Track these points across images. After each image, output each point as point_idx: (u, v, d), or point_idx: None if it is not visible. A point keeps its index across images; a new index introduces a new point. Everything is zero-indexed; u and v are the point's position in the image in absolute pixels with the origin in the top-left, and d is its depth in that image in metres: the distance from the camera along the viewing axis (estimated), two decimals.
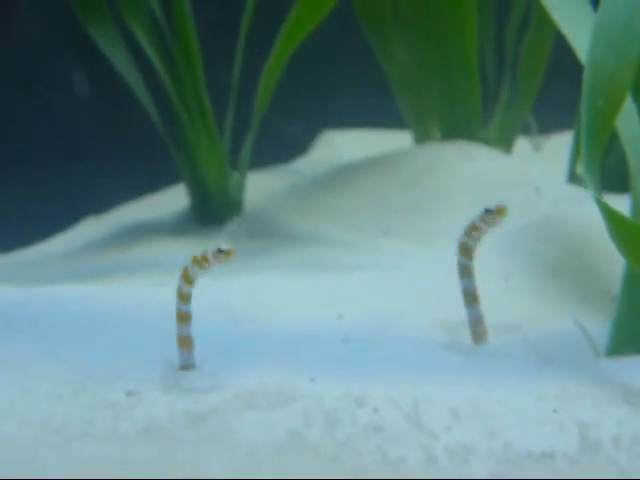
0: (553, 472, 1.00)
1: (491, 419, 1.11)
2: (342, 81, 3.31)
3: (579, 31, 1.45)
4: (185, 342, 1.28)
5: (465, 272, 1.41)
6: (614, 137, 1.40)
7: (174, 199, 2.79)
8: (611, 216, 1.27)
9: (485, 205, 1.28)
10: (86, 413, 1.04)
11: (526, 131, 3.01)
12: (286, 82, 2.58)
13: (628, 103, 1.36)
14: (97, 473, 0.84)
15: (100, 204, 2.87)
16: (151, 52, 2.45)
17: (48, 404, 1.06)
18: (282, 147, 3.26)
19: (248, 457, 0.85)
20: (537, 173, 2.42)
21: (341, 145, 3.31)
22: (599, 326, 1.53)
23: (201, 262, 1.20)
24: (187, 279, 1.23)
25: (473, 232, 1.34)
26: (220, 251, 1.17)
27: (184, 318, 1.27)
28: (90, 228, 2.74)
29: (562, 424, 1.13)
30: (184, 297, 1.26)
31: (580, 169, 2.40)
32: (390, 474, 0.84)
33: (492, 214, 1.28)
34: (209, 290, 1.75)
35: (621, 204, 1.41)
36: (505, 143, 2.80)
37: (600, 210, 1.29)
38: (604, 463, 0.90)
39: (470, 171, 2.43)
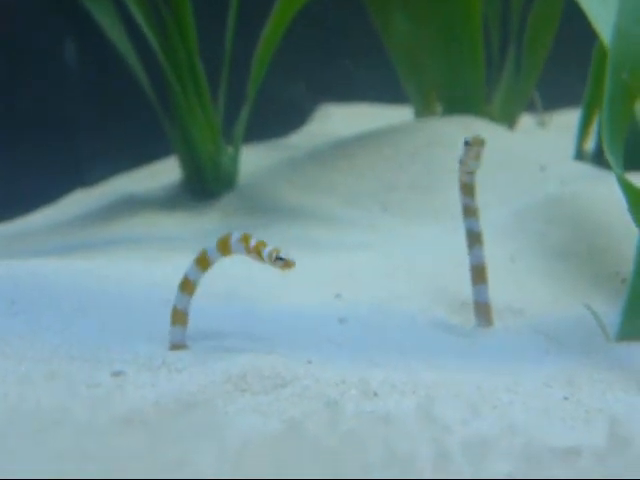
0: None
1: (500, 407, 1.04)
2: (341, 54, 3.22)
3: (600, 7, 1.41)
4: (180, 317, 1.22)
5: (468, 212, 1.42)
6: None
7: (166, 172, 2.70)
8: (631, 192, 1.25)
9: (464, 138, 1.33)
10: (64, 398, 0.96)
11: (530, 107, 2.93)
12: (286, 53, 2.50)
13: None
14: (74, 466, 0.76)
15: (89, 176, 2.79)
16: (141, 18, 2.36)
17: (22, 388, 0.98)
18: (280, 121, 3.17)
19: (241, 451, 0.77)
20: (542, 150, 2.34)
21: (339, 119, 3.22)
22: (609, 309, 1.47)
23: (258, 255, 1.15)
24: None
25: (463, 167, 1.39)
26: (279, 259, 1.13)
27: (188, 287, 1.21)
28: (78, 201, 2.66)
29: (574, 413, 1.07)
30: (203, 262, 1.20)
31: (587, 144, 2.34)
32: (397, 468, 0.76)
33: (470, 146, 1.34)
34: None
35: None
36: (509, 119, 2.72)
37: (620, 185, 1.26)
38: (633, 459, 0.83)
39: None
